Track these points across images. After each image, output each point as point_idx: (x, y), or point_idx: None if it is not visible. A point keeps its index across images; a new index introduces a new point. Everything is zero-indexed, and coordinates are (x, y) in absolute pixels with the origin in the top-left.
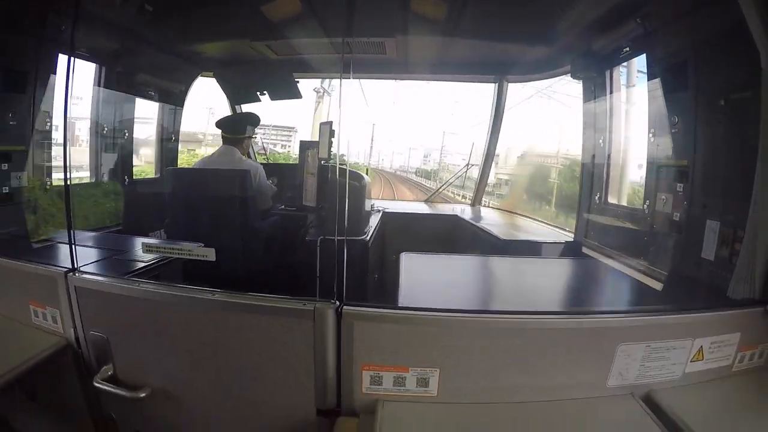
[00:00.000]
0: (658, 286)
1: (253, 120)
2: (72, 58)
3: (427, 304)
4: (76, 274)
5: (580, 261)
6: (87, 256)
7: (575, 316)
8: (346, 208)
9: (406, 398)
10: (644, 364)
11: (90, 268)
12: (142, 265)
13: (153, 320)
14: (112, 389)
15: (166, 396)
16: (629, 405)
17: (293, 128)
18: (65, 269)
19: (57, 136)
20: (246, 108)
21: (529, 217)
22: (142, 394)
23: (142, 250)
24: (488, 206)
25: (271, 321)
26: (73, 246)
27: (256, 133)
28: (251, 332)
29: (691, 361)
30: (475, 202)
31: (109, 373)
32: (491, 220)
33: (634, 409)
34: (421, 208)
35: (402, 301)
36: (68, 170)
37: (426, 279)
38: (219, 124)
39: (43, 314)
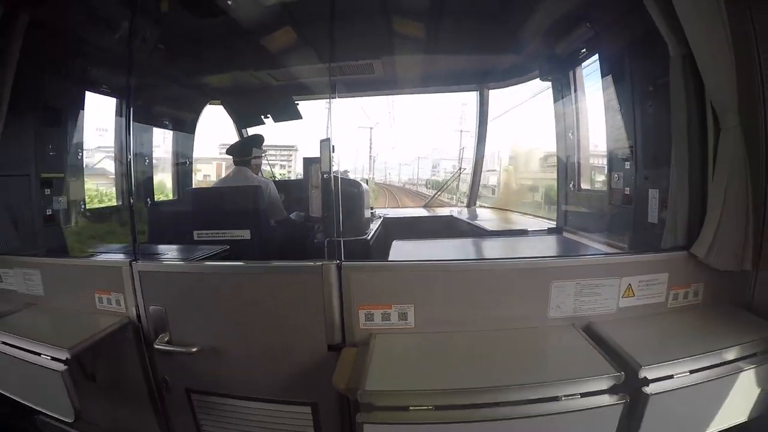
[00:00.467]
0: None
1: (258, 141)
2: (128, 101)
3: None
4: (140, 262)
5: (549, 236)
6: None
7: (515, 260)
8: (347, 211)
9: (392, 330)
10: (578, 299)
11: (154, 253)
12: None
13: (203, 290)
14: (170, 348)
15: (212, 352)
16: (569, 332)
17: (293, 147)
18: (130, 258)
19: (88, 164)
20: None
21: (520, 212)
22: (194, 349)
23: (194, 237)
24: (483, 206)
25: (291, 277)
26: (136, 236)
27: (265, 151)
28: (277, 289)
29: (622, 297)
30: (470, 202)
31: (166, 339)
32: (484, 216)
33: (573, 336)
34: (420, 212)
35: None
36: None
37: (410, 252)
38: (228, 151)
39: (108, 299)
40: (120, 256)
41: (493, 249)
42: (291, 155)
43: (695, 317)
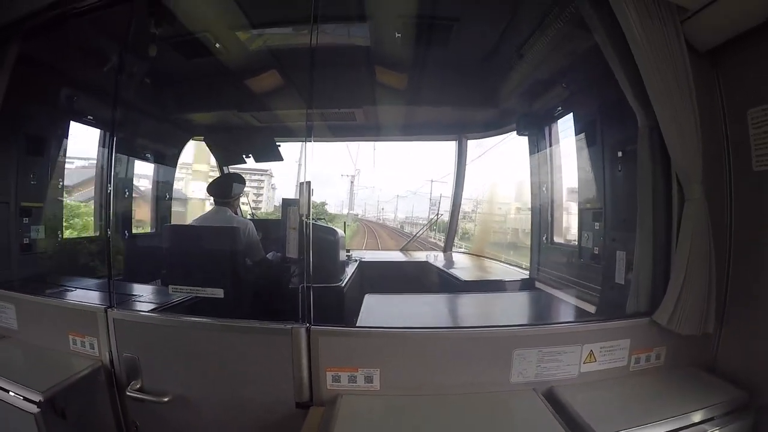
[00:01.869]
0: (582, 309)
1: (239, 181)
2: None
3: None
4: (115, 310)
5: (521, 294)
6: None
7: (478, 328)
8: (322, 258)
9: (358, 392)
10: (540, 365)
11: (129, 301)
12: (180, 292)
13: (175, 342)
14: (143, 396)
15: (183, 402)
16: (530, 398)
17: (267, 171)
18: (105, 305)
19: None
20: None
21: (494, 259)
22: (165, 399)
23: (169, 291)
24: (459, 251)
25: (261, 337)
26: (112, 283)
27: (246, 192)
28: (247, 347)
29: (584, 363)
30: (446, 248)
31: (138, 386)
32: (458, 263)
33: (535, 402)
34: (397, 256)
35: (358, 322)
36: (110, 217)
37: (380, 310)
38: (209, 190)
39: (81, 342)
40: (95, 299)
41: (463, 307)
42: (263, 180)
43: (657, 380)
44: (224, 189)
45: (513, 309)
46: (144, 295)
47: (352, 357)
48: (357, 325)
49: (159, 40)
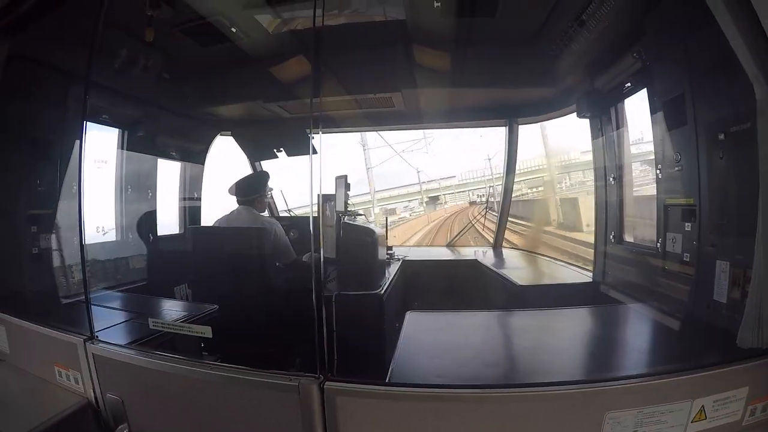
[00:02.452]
0: (670, 330)
1: (263, 179)
2: (84, 123)
3: (420, 376)
4: (94, 343)
5: (591, 311)
6: (110, 317)
7: (558, 387)
8: (358, 263)
9: None
10: (637, 429)
11: (109, 333)
12: (161, 328)
13: (160, 386)
14: None
15: None
16: None
17: None
18: (84, 337)
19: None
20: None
21: (549, 257)
22: None
23: (150, 326)
24: (510, 247)
25: (259, 393)
26: (90, 313)
27: (271, 188)
28: (244, 402)
29: (692, 422)
30: (497, 243)
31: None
32: (510, 262)
33: None
34: (442, 253)
35: (395, 372)
36: (83, 234)
37: (426, 344)
38: (230, 191)
39: (67, 375)
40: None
41: (527, 331)
42: None
43: None
44: (246, 189)
45: (588, 334)
46: (144, 314)
47: (385, 424)
48: (391, 380)
49: (170, 27)
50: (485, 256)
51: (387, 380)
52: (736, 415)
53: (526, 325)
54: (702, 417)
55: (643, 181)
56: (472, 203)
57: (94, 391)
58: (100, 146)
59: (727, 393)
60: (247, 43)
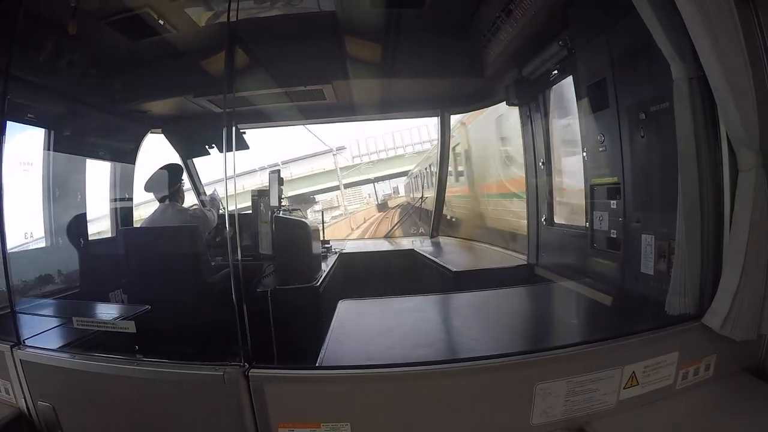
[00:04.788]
0: (601, 304)
1: (177, 170)
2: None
3: (351, 360)
4: (22, 348)
5: (524, 290)
6: (39, 324)
7: (487, 360)
8: (293, 257)
9: None
10: (569, 398)
11: (37, 339)
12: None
13: (91, 389)
14: None
15: None
16: None
17: None
18: (11, 343)
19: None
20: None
21: (484, 243)
22: None
23: (75, 324)
24: (446, 236)
25: (188, 386)
26: (16, 318)
27: (182, 180)
28: (175, 397)
29: (624, 389)
30: (433, 232)
31: None
32: (447, 250)
33: None
34: (381, 244)
35: (325, 358)
36: (4, 238)
37: (359, 330)
38: (146, 188)
39: None
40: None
41: (460, 312)
42: None
43: (708, 397)
44: (161, 184)
45: (520, 312)
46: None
47: (313, 407)
48: (322, 364)
49: (96, 19)
50: (422, 245)
51: (317, 365)
52: (668, 379)
53: (459, 307)
54: (634, 383)
55: (571, 165)
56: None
57: (26, 400)
58: (23, 147)
59: (656, 359)
60: (176, 36)
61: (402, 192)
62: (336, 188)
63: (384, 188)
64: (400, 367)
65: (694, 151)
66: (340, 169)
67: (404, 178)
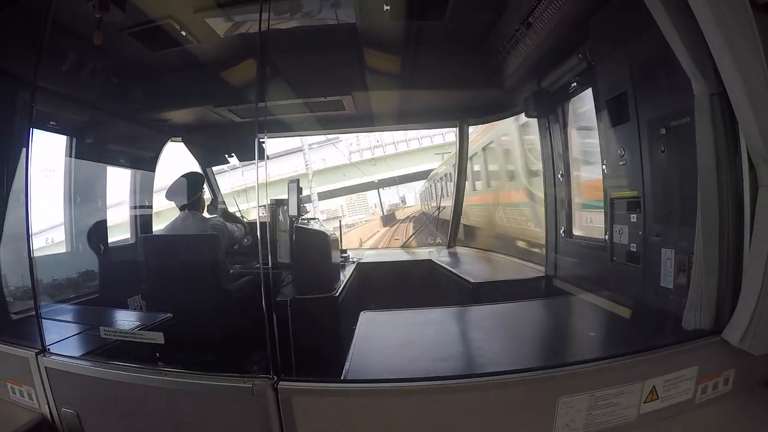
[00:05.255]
0: (621, 318)
1: (198, 179)
2: (31, 131)
3: (375, 372)
4: (46, 356)
5: (544, 303)
6: (62, 330)
7: (510, 375)
8: (312, 266)
9: None
10: (591, 413)
11: (61, 345)
12: (113, 337)
13: (115, 397)
14: None
15: None
16: None
17: None
18: (36, 350)
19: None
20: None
21: (502, 254)
22: None
23: (101, 334)
24: (463, 246)
25: (214, 397)
26: (41, 326)
27: (203, 189)
28: (201, 408)
29: (644, 403)
30: (450, 243)
31: None
32: (464, 261)
33: None
34: (398, 254)
35: (350, 370)
36: (31, 245)
37: (381, 342)
38: (168, 197)
39: (20, 391)
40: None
41: (481, 326)
42: None
43: (727, 411)
44: (183, 190)
45: (541, 325)
46: (96, 326)
47: (341, 421)
48: (347, 377)
49: (119, 30)
50: (440, 256)
51: (342, 378)
52: (688, 393)
53: (479, 320)
54: (654, 397)
55: (590, 177)
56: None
57: (49, 406)
58: (47, 154)
59: (677, 373)
60: (198, 47)
61: (408, 202)
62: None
63: (390, 197)
64: (424, 381)
65: (714, 167)
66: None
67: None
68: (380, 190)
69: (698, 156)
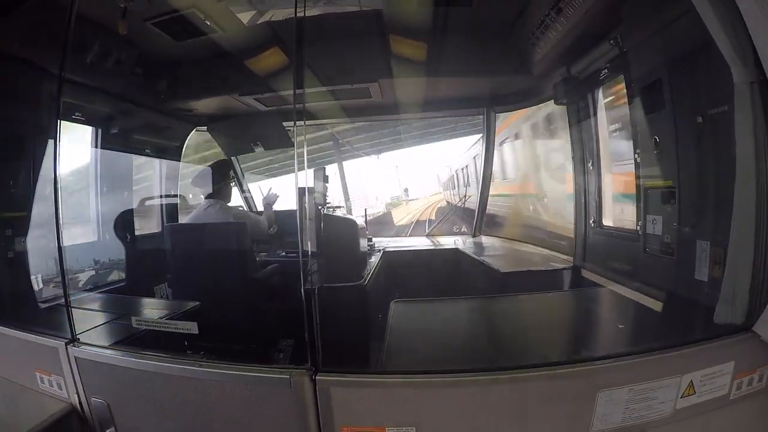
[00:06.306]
0: (654, 311)
1: (225, 167)
2: (59, 122)
3: (411, 363)
4: (76, 345)
5: (575, 294)
6: (90, 319)
7: (551, 368)
8: (340, 254)
9: None
10: (629, 406)
11: (90, 335)
12: (145, 327)
13: (147, 387)
14: None
15: None
16: None
17: None
18: (65, 340)
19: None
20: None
21: (530, 243)
22: None
23: (133, 323)
24: (489, 235)
25: (251, 389)
26: (71, 316)
27: (230, 177)
28: (236, 400)
29: (681, 398)
30: (476, 231)
31: None
32: (490, 250)
33: None
34: (423, 242)
35: (386, 361)
36: (60, 236)
37: (415, 332)
38: (194, 183)
39: (49, 381)
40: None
41: (514, 315)
42: None
43: (762, 408)
44: (209, 177)
45: (575, 316)
46: (125, 314)
47: (377, 412)
48: (382, 368)
49: (143, 20)
50: (465, 244)
51: (380, 369)
52: (723, 389)
53: (511, 310)
54: (691, 392)
55: (621, 167)
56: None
57: (78, 396)
58: (74, 145)
59: (713, 368)
60: (222, 36)
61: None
62: None
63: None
64: (464, 373)
65: (753, 156)
66: None
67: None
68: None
69: (737, 145)
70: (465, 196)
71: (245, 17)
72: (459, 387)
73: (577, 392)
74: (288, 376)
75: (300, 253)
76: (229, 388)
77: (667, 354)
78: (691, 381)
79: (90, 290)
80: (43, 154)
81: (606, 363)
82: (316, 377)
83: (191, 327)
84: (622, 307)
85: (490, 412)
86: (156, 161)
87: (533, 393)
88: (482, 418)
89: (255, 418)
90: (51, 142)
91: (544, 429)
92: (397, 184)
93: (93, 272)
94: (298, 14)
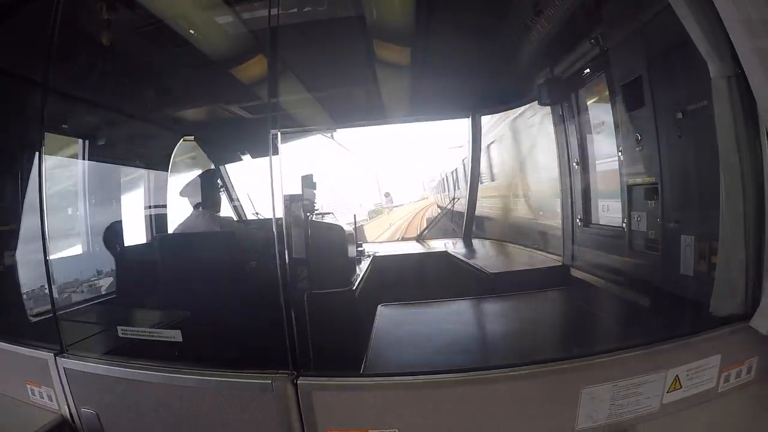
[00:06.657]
0: (640, 306)
1: (212, 177)
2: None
3: (395, 366)
4: (65, 357)
5: (562, 293)
6: (79, 331)
7: (532, 366)
8: (328, 261)
9: None
10: (614, 402)
11: (80, 346)
12: (131, 336)
13: (136, 396)
14: None
15: None
16: None
17: None
18: (54, 351)
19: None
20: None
21: (518, 245)
22: None
23: (119, 333)
24: (479, 238)
25: (234, 394)
26: (60, 327)
27: (221, 186)
28: (220, 406)
29: (668, 392)
30: (466, 235)
31: None
32: (480, 252)
33: None
34: (413, 246)
35: (369, 364)
36: (47, 248)
37: (400, 335)
38: (182, 194)
39: (39, 392)
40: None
41: (501, 316)
42: None
43: (749, 400)
44: (197, 187)
45: (561, 315)
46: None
47: (361, 414)
48: (365, 371)
49: (125, 31)
50: (455, 247)
51: (361, 372)
52: (711, 382)
53: (498, 310)
54: (677, 386)
55: (606, 164)
56: None
57: (69, 407)
58: (60, 156)
59: (699, 362)
60: (206, 45)
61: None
62: None
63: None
64: (445, 374)
65: (735, 150)
66: None
67: None
68: None
69: (719, 139)
70: (453, 200)
71: (229, 26)
72: (441, 388)
73: (560, 390)
74: (270, 381)
75: (277, 259)
76: (214, 395)
77: (652, 349)
78: (677, 375)
79: (80, 302)
80: (30, 166)
81: (589, 360)
82: (298, 381)
83: (175, 335)
84: (609, 304)
85: (474, 412)
86: (144, 171)
87: (516, 392)
88: (465, 419)
89: (238, 423)
90: (37, 154)
91: (528, 428)
92: (377, 187)
93: (83, 283)
94: (271, 24)
